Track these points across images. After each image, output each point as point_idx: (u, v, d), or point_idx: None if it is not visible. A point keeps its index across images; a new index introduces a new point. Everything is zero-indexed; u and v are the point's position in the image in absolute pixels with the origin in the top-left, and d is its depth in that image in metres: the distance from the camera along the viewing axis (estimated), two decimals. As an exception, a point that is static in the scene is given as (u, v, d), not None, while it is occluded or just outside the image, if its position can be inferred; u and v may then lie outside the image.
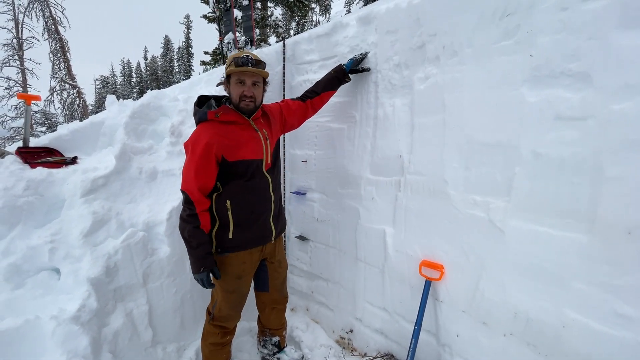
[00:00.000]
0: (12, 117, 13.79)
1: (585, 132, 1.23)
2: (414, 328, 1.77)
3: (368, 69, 2.12)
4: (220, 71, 2.98)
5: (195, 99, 2.53)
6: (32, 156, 2.22)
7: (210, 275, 1.79)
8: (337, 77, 2.12)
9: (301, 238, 2.74)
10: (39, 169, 2.10)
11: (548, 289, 1.34)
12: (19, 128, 13.89)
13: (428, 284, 1.78)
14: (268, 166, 1.87)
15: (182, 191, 1.73)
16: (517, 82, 1.43)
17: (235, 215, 1.79)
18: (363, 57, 2.11)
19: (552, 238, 1.32)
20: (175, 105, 2.52)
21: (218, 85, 1.87)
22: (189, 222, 1.70)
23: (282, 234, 2.19)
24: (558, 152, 1.30)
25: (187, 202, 1.71)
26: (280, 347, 2.29)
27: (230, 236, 1.79)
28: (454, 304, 1.71)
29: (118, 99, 2.76)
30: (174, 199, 2.25)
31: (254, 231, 1.87)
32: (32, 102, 2.43)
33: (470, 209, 1.61)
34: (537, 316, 1.38)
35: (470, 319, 1.64)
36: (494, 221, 1.51)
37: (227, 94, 1.84)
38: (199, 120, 1.76)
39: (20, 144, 2.33)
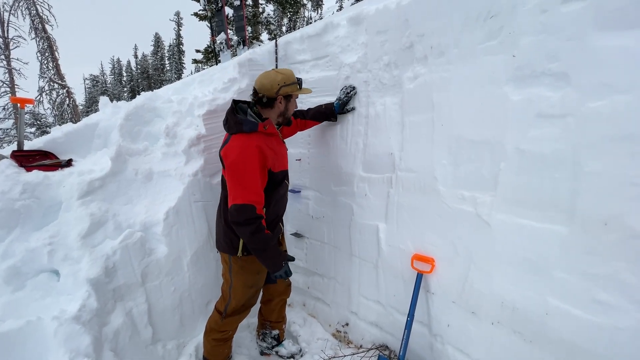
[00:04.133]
0: (0, 118, 13.58)
1: (565, 129, 1.29)
2: (407, 319, 1.84)
3: (353, 109, 2.23)
4: (213, 71, 2.99)
5: (189, 100, 2.58)
6: (27, 159, 2.22)
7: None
8: (326, 114, 2.25)
9: (297, 235, 2.78)
10: (35, 172, 2.10)
11: (532, 278, 1.42)
12: (7, 129, 13.67)
13: (420, 276, 1.85)
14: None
15: (246, 205, 1.67)
16: (501, 81, 1.49)
17: (267, 220, 1.89)
18: (348, 98, 2.20)
19: (535, 230, 1.39)
20: (170, 107, 2.53)
21: (262, 99, 1.81)
22: (259, 231, 1.72)
23: None
24: (540, 148, 1.37)
25: (254, 214, 1.69)
26: (279, 341, 2.36)
27: None
28: (445, 295, 1.78)
29: (112, 100, 2.77)
30: (170, 199, 2.28)
31: (275, 230, 2.01)
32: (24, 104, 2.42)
33: (459, 203, 1.68)
34: (522, 305, 1.45)
35: (460, 309, 1.71)
36: (481, 215, 1.58)
37: (247, 100, 1.92)
38: (249, 131, 1.73)
39: (13, 147, 2.33)
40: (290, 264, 2.86)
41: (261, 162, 1.73)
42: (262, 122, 1.78)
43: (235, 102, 1.86)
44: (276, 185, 1.89)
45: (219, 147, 1.88)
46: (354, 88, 2.20)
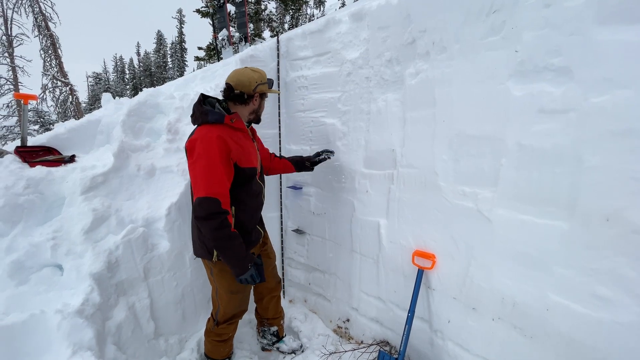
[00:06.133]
0: (4, 115, 13.64)
1: (566, 125, 1.29)
2: (408, 315, 1.84)
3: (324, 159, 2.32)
4: (215, 68, 3.00)
5: (191, 96, 2.59)
6: (30, 155, 2.24)
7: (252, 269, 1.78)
8: (304, 164, 2.28)
9: (298, 231, 2.79)
10: (39, 167, 2.12)
11: (532, 274, 1.42)
12: (10, 127, 13.74)
13: (420, 272, 1.85)
14: (259, 174, 1.94)
15: (210, 198, 1.59)
16: (503, 76, 1.48)
17: (238, 220, 1.82)
18: (320, 160, 2.27)
19: (536, 225, 1.39)
20: (172, 103, 2.54)
21: (230, 94, 1.80)
22: (224, 227, 1.64)
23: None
24: (541, 143, 1.36)
25: (218, 208, 1.61)
26: (279, 337, 2.37)
27: None
28: (445, 291, 1.78)
29: (114, 97, 2.78)
30: (172, 194, 2.29)
31: (252, 234, 1.95)
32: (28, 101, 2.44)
33: (460, 199, 1.68)
34: (522, 300, 1.45)
35: (461, 305, 1.71)
36: (482, 211, 1.58)
37: (216, 97, 1.88)
38: (214, 121, 1.69)
39: (17, 143, 2.35)
40: (290, 259, 2.90)
41: (224, 153, 1.66)
42: (229, 115, 1.75)
43: (203, 97, 1.82)
44: (246, 181, 1.82)
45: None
46: (332, 153, 2.29)
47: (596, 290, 1.23)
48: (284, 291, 2.95)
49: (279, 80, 2.74)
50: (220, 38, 5.47)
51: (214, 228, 1.62)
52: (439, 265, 1.80)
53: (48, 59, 14.49)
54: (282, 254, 2.95)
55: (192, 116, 1.79)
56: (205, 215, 1.62)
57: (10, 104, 13.68)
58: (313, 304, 2.77)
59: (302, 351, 2.36)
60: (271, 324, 2.34)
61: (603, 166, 1.20)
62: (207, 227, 1.64)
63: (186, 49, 34.14)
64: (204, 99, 1.81)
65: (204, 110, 1.72)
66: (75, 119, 2.57)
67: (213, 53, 11.44)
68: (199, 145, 1.64)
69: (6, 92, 13.58)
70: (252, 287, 2.26)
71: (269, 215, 2.72)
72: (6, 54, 13.52)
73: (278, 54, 2.71)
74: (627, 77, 1.14)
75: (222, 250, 1.70)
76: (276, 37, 2.75)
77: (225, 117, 1.71)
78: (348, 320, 2.46)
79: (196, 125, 1.77)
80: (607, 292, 1.21)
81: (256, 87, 1.78)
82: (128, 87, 36.41)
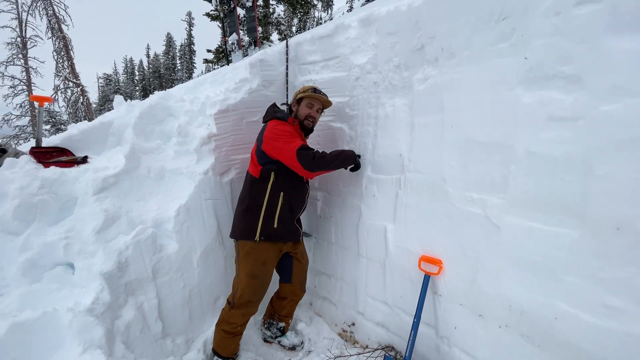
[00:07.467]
0: (17, 115, 13.93)
1: (576, 132, 1.28)
2: (414, 321, 1.84)
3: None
4: (225, 71, 3.03)
5: (201, 99, 2.64)
6: (44, 156, 2.29)
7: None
8: None
9: (305, 234, 2.80)
10: (52, 168, 2.17)
11: (541, 282, 1.41)
12: (23, 126, 14.03)
13: (427, 278, 1.85)
14: (305, 178, 2.22)
15: (301, 146, 1.98)
16: (513, 83, 1.48)
17: (282, 208, 2.11)
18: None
19: (545, 233, 1.38)
20: (182, 106, 2.58)
21: (283, 104, 2.40)
22: (323, 153, 2.03)
23: None
24: (551, 151, 1.36)
25: (309, 148, 2.04)
26: (283, 332, 2.46)
27: (275, 226, 2.09)
28: (452, 297, 1.78)
29: (126, 100, 2.83)
30: (181, 196, 2.32)
31: (290, 227, 2.18)
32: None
33: (468, 205, 1.67)
34: (530, 308, 1.44)
35: (468, 312, 1.70)
36: (490, 217, 1.57)
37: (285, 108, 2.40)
38: (281, 118, 2.15)
39: (32, 143, 2.41)
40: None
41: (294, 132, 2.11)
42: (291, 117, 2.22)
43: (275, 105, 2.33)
44: (290, 172, 2.08)
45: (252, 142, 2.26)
46: None
47: (606, 300, 1.22)
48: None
49: (287, 84, 2.76)
50: (230, 42, 5.54)
51: (320, 157, 1.99)
52: (446, 271, 1.80)
53: (60, 61, 14.79)
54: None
55: (264, 116, 2.27)
56: (311, 158, 1.96)
57: (23, 104, 13.97)
58: (319, 308, 2.77)
59: (302, 347, 2.42)
60: (281, 320, 2.44)
61: (613, 174, 1.20)
62: (320, 162, 1.98)
63: (195, 52, 34.48)
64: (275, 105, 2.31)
65: (276, 109, 2.24)
66: (87, 119, 2.63)
67: (222, 56, 11.55)
68: (277, 128, 2.05)
69: (19, 92, 13.87)
70: (279, 286, 2.39)
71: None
72: (20, 56, 13.83)
73: (287, 59, 2.73)
74: (637, 85, 1.14)
75: (338, 162, 2.07)
76: (285, 41, 2.77)
77: (289, 118, 2.19)
78: (353, 324, 2.46)
79: (265, 121, 2.20)
80: (617, 301, 1.20)
81: (295, 96, 2.24)
82: (137, 88, 36.89)
